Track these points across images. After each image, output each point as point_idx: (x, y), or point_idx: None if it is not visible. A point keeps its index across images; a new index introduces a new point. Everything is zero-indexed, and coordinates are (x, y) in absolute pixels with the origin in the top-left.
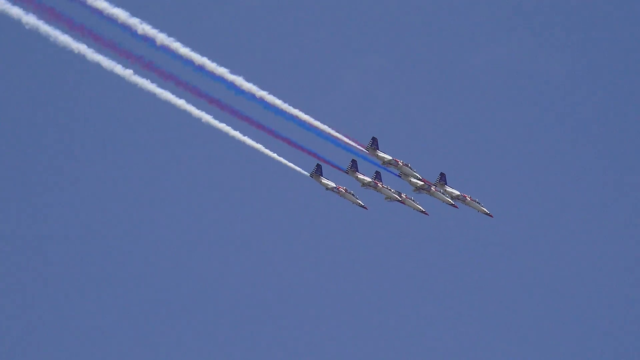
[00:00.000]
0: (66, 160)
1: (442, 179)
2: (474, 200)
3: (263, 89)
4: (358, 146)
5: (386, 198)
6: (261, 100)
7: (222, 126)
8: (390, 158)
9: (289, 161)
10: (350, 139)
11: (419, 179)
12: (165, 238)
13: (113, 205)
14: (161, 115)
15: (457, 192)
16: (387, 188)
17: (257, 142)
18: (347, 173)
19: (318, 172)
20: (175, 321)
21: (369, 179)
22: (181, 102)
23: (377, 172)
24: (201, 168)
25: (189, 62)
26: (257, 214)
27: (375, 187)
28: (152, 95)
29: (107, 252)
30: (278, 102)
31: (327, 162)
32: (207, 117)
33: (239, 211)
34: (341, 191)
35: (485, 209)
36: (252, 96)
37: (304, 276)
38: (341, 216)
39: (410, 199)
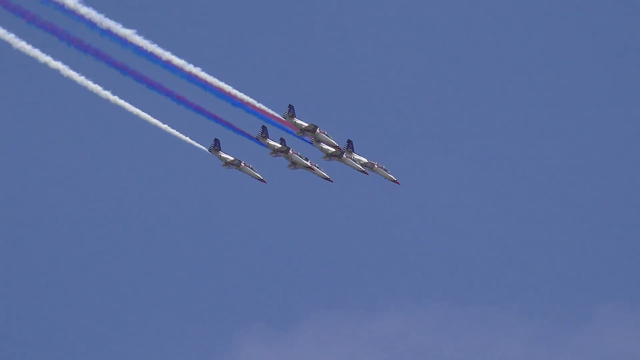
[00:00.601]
0: None
1: (350, 146)
2: (381, 167)
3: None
4: (275, 114)
5: (289, 165)
6: (170, 66)
7: (115, 99)
8: (308, 125)
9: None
10: (263, 106)
11: (334, 146)
12: (68, 216)
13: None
14: (48, 86)
15: (365, 160)
16: (298, 155)
17: (155, 116)
18: (258, 139)
19: (217, 146)
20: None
21: (279, 145)
22: (68, 71)
23: (282, 139)
24: (98, 144)
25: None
26: (154, 191)
27: (286, 153)
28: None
29: None
30: (188, 67)
31: (238, 129)
32: (104, 92)
33: (137, 189)
34: (241, 165)
35: (392, 176)
36: (158, 60)
37: (205, 254)
38: (239, 191)
39: (316, 166)
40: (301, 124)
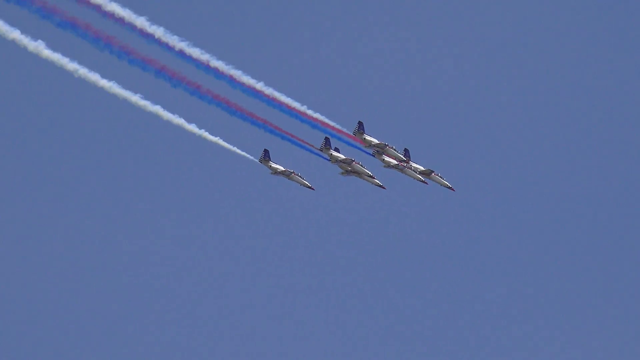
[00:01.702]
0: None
1: (407, 155)
2: (437, 175)
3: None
4: (343, 129)
5: (342, 173)
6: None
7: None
8: (379, 142)
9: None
10: (330, 122)
11: (401, 160)
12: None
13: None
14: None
15: (422, 168)
16: (360, 164)
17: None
18: (322, 151)
19: (267, 156)
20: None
21: (343, 157)
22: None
23: (336, 148)
24: (147, 156)
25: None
26: (205, 203)
27: (349, 164)
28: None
29: None
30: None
31: (300, 141)
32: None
33: (189, 203)
34: (289, 174)
35: (447, 183)
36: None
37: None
38: (287, 199)
39: (371, 176)
40: (371, 140)
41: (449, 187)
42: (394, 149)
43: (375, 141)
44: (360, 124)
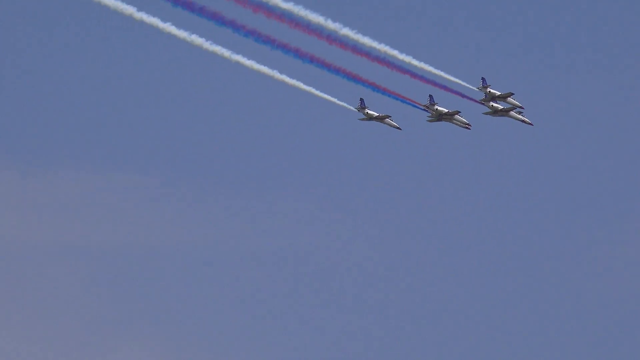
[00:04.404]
0: None
1: (484, 82)
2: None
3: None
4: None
5: (430, 120)
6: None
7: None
8: (505, 93)
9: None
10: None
11: (519, 106)
12: None
13: None
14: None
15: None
16: (460, 115)
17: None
18: (427, 108)
19: (362, 105)
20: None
21: (446, 110)
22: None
23: (430, 96)
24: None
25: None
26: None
27: (452, 116)
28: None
29: None
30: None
31: (411, 100)
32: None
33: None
34: (383, 117)
35: (527, 119)
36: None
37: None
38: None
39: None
40: (495, 93)
41: (528, 123)
42: (513, 98)
43: (498, 93)
44: (483, 79)
